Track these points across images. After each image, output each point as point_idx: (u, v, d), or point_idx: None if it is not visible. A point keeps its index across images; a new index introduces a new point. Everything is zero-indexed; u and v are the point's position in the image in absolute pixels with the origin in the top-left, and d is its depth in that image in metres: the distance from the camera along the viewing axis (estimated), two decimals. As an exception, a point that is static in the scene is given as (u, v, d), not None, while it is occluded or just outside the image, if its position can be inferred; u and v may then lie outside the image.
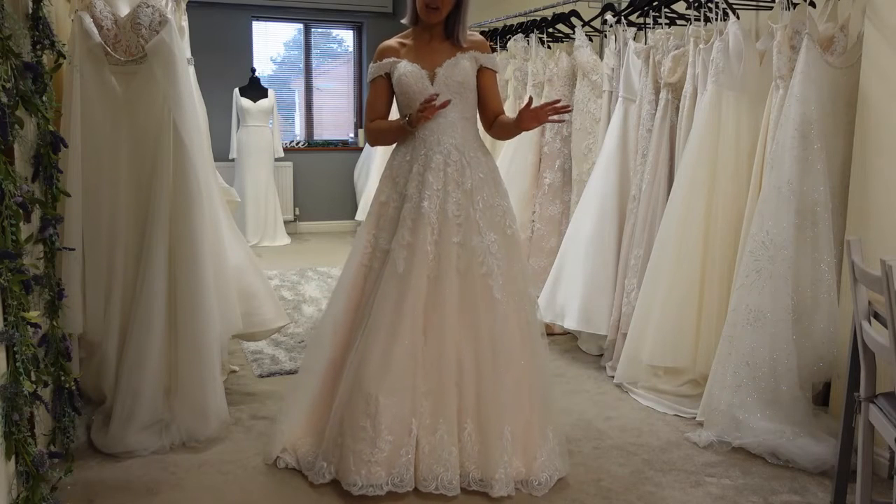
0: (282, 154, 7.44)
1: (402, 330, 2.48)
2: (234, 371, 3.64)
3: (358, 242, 2.69)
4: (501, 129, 2.69)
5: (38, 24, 2.36)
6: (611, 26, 4.00)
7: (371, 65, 2.68)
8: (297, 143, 8.07)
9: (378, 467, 2.42)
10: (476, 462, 2.50)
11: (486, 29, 5.47)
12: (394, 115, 2.72)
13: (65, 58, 2.61)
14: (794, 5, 2.96)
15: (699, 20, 3.40)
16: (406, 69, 2.58)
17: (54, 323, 2.46)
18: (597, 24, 4.45)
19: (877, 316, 2.15)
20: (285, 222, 7.54)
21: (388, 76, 2.64)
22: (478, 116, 2.73)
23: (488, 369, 2.51)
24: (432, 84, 2.56)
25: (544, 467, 2.55)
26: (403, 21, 2.68)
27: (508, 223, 2.63)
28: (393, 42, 2.68)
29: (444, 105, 2.48)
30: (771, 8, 3.26)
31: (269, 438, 2.77)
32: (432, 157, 2.56)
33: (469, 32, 2.66)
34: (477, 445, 2.50)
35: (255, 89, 7.19)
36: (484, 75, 2.65)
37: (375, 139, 2.75)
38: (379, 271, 2.58)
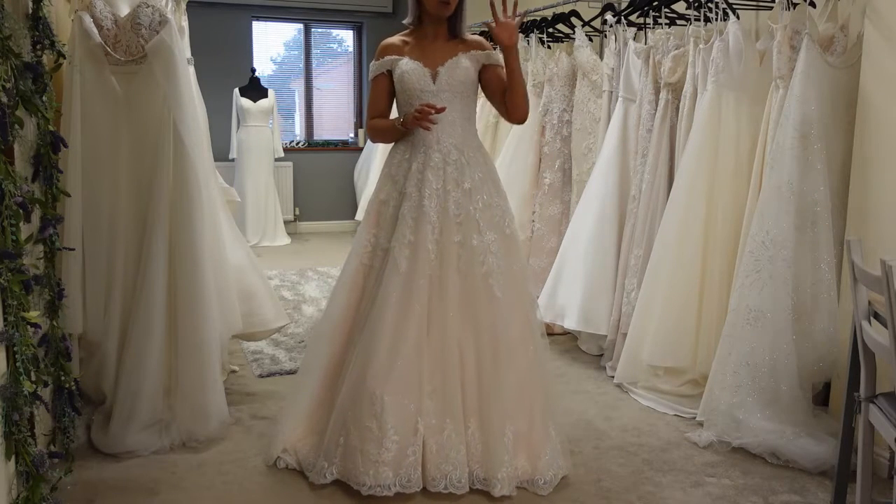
0: (282, 154, 7.44)
1: (406, 329, 2.48)
2: (234, 371, 3.64)
3: (358, 241, 2.68)
4: (509, 92, 2.59)
5: (38, 24, 2.36)
6: (611, 26, 4.00)
7: (372, 62, 2.69)
8: (297, 143, 8.07)
9: (385, 467, 2.41)
10: (479, 461, 2.50)
11: (487, 29, 5.46)
12: (394, 113, 2.73)
13: (65, 58, 2.61)
14: (794, 5, 2.96)
15: (699, 20, 3.40)
16: (408, 67, 2.58)
17: (54, 323, 2.46)
18: (597, 24, 4.45)
19: (877, 316, 2.15)
20: (285, 222, 7.53)
21: (390, 74, 2.64)
22: (476, 116, 2.74)
23: (489, 369, 2.51)
24: (434, 83, 2.56)
25: (549, 466, 2.55)
26: (405, 22, 2.67)
27: (507, 223, 2.63)
28: (395, 40, 2.68)
29: (440, 111, 2.47)
30: (771, 8, 3.26)
31: (270, 439, 2.77)
32: (431, 156, 2.57)
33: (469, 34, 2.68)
34: (480, 445, 2.50)
35: (255, 89, 7.19)
36: (489, 71, 2.64)
37: (375, 136, 2.76)
38: (380, 270, 2.58)
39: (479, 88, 2.69)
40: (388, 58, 2.64)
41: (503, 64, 2.61)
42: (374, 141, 2.75)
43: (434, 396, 2.48)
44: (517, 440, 2.53)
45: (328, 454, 2.51)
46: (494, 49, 2.75)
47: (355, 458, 2.44)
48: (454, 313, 2.51)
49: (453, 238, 2.54)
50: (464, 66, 2.58)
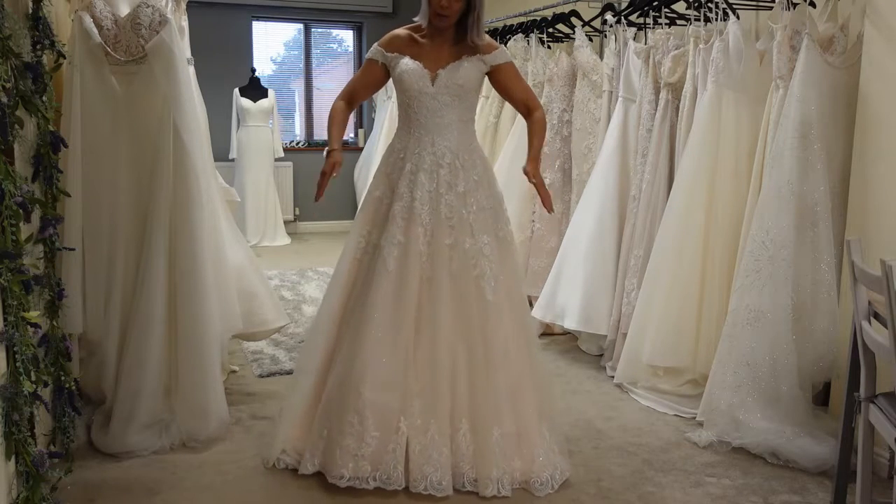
0: (282, 154, 7.44)
1: (393, 328, 2.49)
2: (234, 371, 3.64)
3: (352, 238, 2.68)
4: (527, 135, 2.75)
5: (38, 24, 2.36)
6: (611, 26, 4.00)
7: (375, 46, 2.66)
8: (297, 143, 8.07)
9: (364, 461, 2.44)
10: (471, 462, 2.50)
11: (487, 29, 5.45)
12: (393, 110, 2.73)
13: (65, 58, 2.60)
14: (794, 5, 2.96)
15: (699, 20, 3.40)
16: (408, 66, 2.57)
17: (54, 323, 2.46)
18: (597, 24, 4.45)
19: (877, 316, 2.15)
20: (285, 222, 7.53)
21: (385, 67, 2.64)
22: (475, 118, 2.74)
23: (481, 370, 2.52)
24: (432, 84, 2.56)
25: (544, 467, 2.55)
26: (416, 19, 2.64)
27: (501, 225, 2.64)
28: (404, 34, 2.64)
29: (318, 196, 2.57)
30: (771, 8, 3.26)
31: (269, 440, 2.76)
32: (425, 158, 2.57)
33: None
34: (472, 446, 2.51)
35: (255, 89, 7.19)
36: (500, 72, 2.65)
37: (329, 117, 2.70)
38: (370, 267, 2.59)
39: (481, 88, 2.70)
40: (390, 53, 2.62)
41: (509, 59, 2.67)
42: (329, 118, 2.72)
43: (420, 396, 2.49)
44: (509, 442, 2.53)
45: (312, 447, 2.54)
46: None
47: (334, 452, 2.46)
48: (446, 315, 2.51)
49: (445, 240, 2.54)
50: (465, 68, 2.57)
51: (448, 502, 2.45)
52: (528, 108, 2.73)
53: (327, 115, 2.73)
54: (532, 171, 2.62)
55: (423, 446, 2.47)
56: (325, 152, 2.61)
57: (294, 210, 7.93)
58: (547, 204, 2.64)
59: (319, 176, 2.57)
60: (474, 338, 2.52)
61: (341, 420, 2.46)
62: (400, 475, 2.45)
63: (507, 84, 2.70)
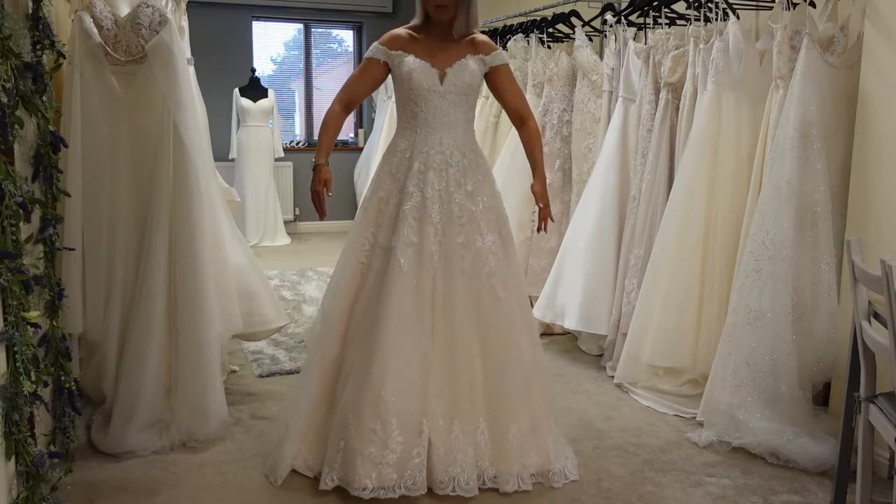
0: (282, 154, 7.44)
1: (411, 330, 2.46)
2: (234, 371, 3.64)
3: (354, 239, 2.63)
4: (525, 149, 2.77)
5: (38, 24, 2.36)
6: (611, 26, 4.00)
7: (376, 45, 2.61)
8: (297, 143, 8.07)
9: (389, 469, 2.39)
10: (491, 459, 2.50)
11: (487, 29, 5.47)
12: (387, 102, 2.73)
13: (65, 58, 2.60)
14: (794, 5, 2.96)
15: (699, 20, 3.40)
16: (415, 65, 2.54)
17: (54, 323, 2.45)
18: (597, 24, 4.45)
19: (877, 316, 2.15)
20: (285, 222, 7.53)
21: (387, 66, 2.60)
22: (476, 117, 2.75)
23: (497, 367, 2.52)
24: (441, 83, 2.55)
25: (557, 458, 2.58)
26: (414, 22, 2.62)
27: (503, 224, 2.66)
28: (405, 33, 2.61)
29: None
30: (771, 8, 3.26)
31: (274, 458, 2.62)
32: (433, 157, 2.56)
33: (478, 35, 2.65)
34: (490, 443, 2.50)
35: (255, 89, 7.19)
36: (497, 74, 2.65)
37: (324, 122, 2.60)
38: (379, 269, 2.55)
39: (482, 88, 2.71)
40: (394, 51, 2.57)
41: (506, 61, 2.67)
42: (322, 124, 2.62)
43: (441, 397, 2.47)
44: (525, 436, 2.54)
45: (330, 460, 2.46)
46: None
47: (355, 462, 2.39)
48: (462, 314, 2.51)
49: (456, 239, 2.53)
50: (470, 68, 2.57)
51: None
52: (521, 117, 2.72)
53: (324, 114, 2.62)
54: (540, 192, 2.64)
55: (447, 447, 2.45)
56: (312, 166, 2.54)
57: (294, 210, 7.93)
58: (543, 224, 2.67)
59: (313, 195, 2.53)
60: (489, 335, 2.52)
61: (362, 428, 2.40)
62: (424, 480, 2.41)
63: (503, 86, 2.68)
